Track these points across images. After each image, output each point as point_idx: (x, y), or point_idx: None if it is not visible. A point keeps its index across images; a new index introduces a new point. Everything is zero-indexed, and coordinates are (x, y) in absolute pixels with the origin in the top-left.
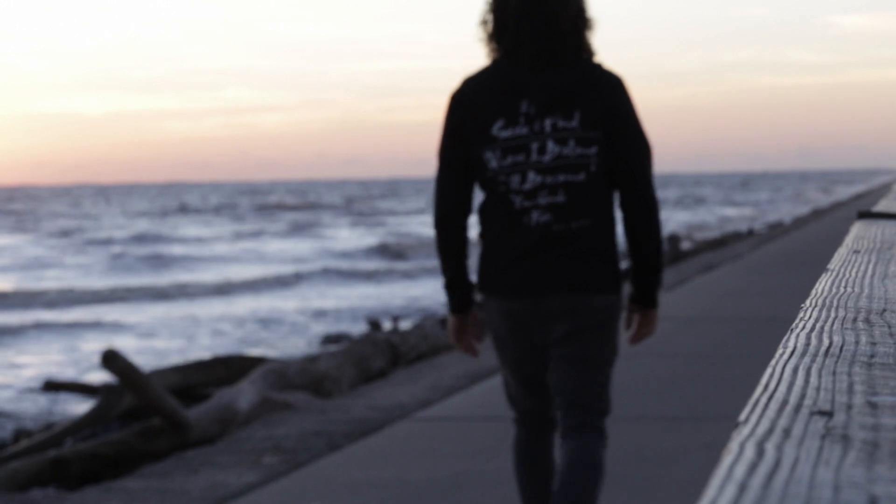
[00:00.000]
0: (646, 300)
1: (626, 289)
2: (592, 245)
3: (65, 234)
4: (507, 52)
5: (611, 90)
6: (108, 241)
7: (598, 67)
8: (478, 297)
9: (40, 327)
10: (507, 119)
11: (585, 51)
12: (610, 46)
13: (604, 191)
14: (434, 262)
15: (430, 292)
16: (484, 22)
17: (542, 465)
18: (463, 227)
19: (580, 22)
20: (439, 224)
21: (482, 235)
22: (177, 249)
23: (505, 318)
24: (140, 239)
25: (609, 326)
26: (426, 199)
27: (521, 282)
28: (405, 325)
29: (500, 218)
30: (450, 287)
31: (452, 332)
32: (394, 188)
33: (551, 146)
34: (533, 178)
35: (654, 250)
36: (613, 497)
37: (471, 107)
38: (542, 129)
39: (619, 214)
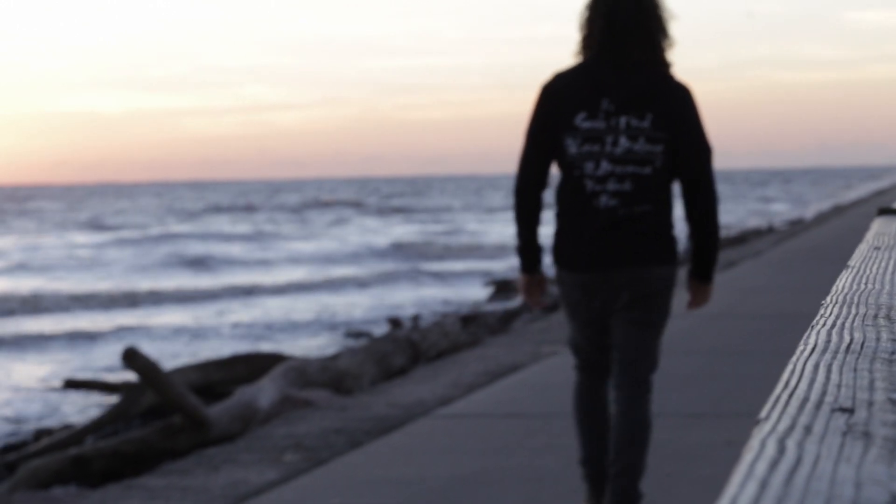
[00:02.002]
0: (702, 275)
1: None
2: (652, 226)
3: (138, 228)
4: (596, 55)
5: (680, 98)
6: (168, 238)
7: (671, 77)
8: (552, 268)
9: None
10: (588, 112)
11: (663, 61)
12: None
13: (665, 182)
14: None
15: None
16: (581, 27)
17: (598, 409)
18: (538, 199)
19: (661, 36)
20: (518, 194)
21: (558, 214)
22: (282, 245)
23: (577, 288)
24: (204, 237)
25: (664, 294)
26: (469, 197)
27: (592, 257)
28: (425, 322)
29: (574, 200)
30: (522, 249)
31: (522, 289)
32: (421, 185)
33: (623, 141)
34: (605, 166)
35: (712, 235)
36: None
37: (558, 98)
38: (617, 125)
39: (678, 201)
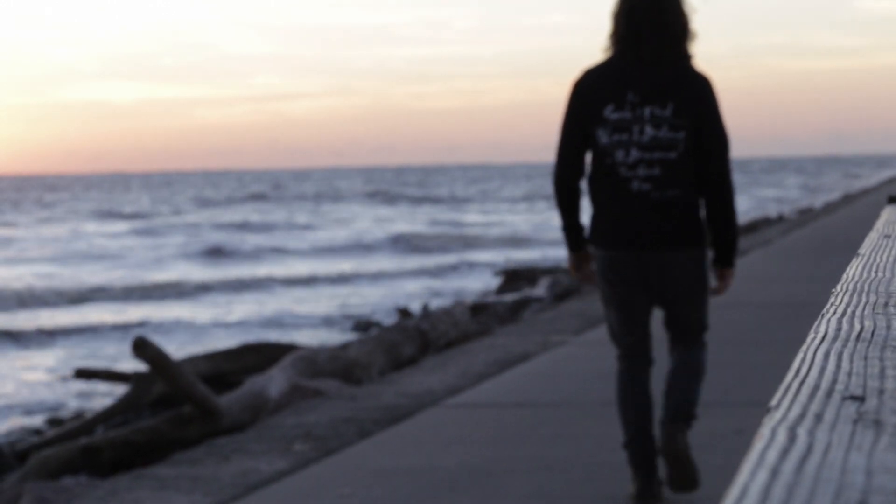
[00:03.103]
0: (723, 261)
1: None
2: (682, 210)
3: (151, 218)
4: (622, 52)
5: (700, 88)
6: (183, 228)
7: (692, 69)
8: (591, 249)
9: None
10: (616, 104)
11: (684, 55)
12: None
13: (691, 166)
14: None
15: None
16: (610, 24)
17: (641, 395)
18: (576, 185)
19: (684, 34)
20: (558, 182)
21: (593, 199)
22: (297, 236)
23: (613, 266)
24: (221, 227)
25: (698, 270)
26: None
27: (627, 238)
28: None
29: (608, 185)
30: (567, 230)
31: (572, 267)
32: (434, 174)
33: (648, 129)
34: (634, 153)
35: (729, 222)
36: None
37: (588, 92)
38: (642, 114)
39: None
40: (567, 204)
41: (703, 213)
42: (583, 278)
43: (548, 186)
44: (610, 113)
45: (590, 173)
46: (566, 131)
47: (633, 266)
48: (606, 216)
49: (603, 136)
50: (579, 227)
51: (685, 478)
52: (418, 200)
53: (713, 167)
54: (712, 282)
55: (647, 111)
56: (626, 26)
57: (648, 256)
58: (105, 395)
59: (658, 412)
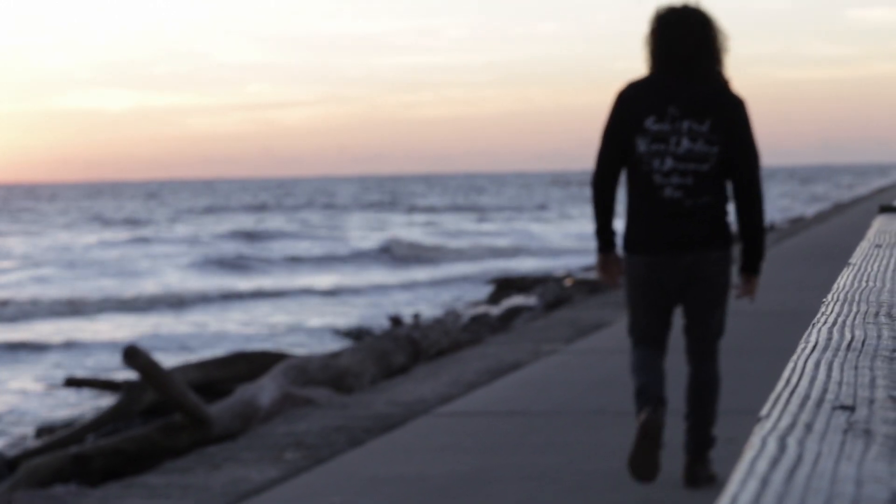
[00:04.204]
0: (750, 268)
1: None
2: (711, 216)
3: (146, 227)
4: (663, 67)
5: (735, 108)
6: (177, 240)
7: (729, 90)
8: (622, 252)
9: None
10: (657, 116)
11: (721, 73)
12: (630, 40)
13: (721, 178)
14: None
15: None
16: (647, 42)
17: (654, 365)
18: (613, 190)
19: (719, 52)
20: (596, 186)
21: (628, 205)
22: (290, 246)
23: (645, 269)
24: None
25: (722, 274)
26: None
27: (660, 242)
28: (426, 320)
29: (643, 192)
30: (599, 232)
31: (600, 267)
32: (428, 183)
33: (685, 142)
34: (669, 163)
35: (758, 232)
36: (634, 491)
37: (631, 104)
38: (680, 127)
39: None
40: (602, 207)
41: (729, 218)
42: (607, 278)
43: (537, 196)
44: (651, 124)
45: (626, 180)
46: (608, 139)
47: (662, 268)
48: (639, 221)
49: (642, 145)
50: (612, 231)
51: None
52: (413, 209)
53: (746, 181)
54: (735, 286)
55: (685, 125)
56: (661, 47)
57: (677, 258)
58: (96, 404)
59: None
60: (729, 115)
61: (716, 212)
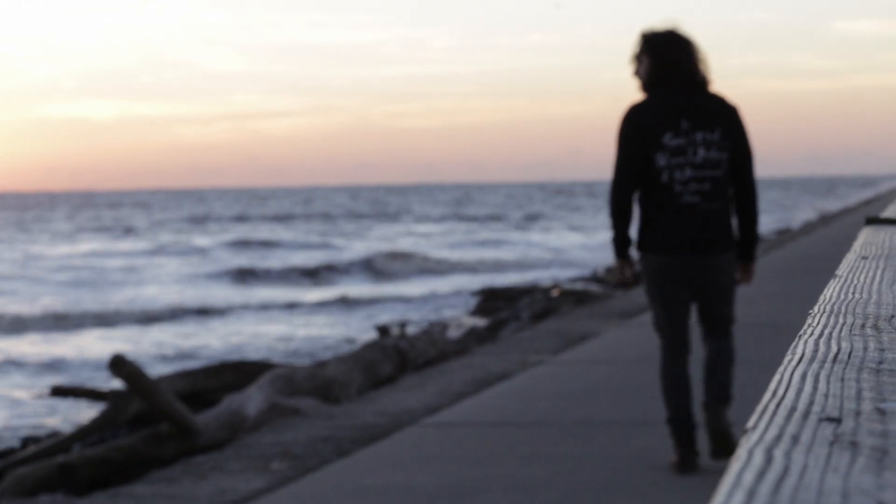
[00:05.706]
0: (748, 256)
1: None
2: (722, 219)
3: (135, 238)
4: (665, 84)
5: (736, 115)
6: (171, 251)
7: (725, 99)
8: (638, 254)
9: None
10: (673, 132)
11: (709, 83)
12: (617, 52)
13: (728, 182)
14: None
15: None
16: (637, 60)
17: (680, 378)
18: (629, 201)
19: (707, 65)
20: (614, 198)
21: (645, 212)
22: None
23: (663, 268)
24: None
25: (731, 270)
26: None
27: (678, 244)
28: (413, 330)
29: (661, 199)
30: (617, 239)
31: (618, 270)
32: (417, 192)
33: (701, 151)
34: (688, 172)
35: (754, 224)
36: (621, 502)
37: (643, 124)
38: (694, 139)
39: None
40: (620, 216)
41: (733, 220)
42: (622, 280)
43: (526, 205)
44: (669, 140)
45: (642, 190)
46: (624, 156)
47: (681, 268)
48: (658, 226)
49: (661, 159)
50: (628, 239)
51: (727, 449)
52: (401, 219)
53: (746, 180)
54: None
55: (699, 136)
56: (659, 63)
57: (694, 259)
58: (82, 413)
59: (698, 395)
60: (733, 123)
61: (725, 217)
